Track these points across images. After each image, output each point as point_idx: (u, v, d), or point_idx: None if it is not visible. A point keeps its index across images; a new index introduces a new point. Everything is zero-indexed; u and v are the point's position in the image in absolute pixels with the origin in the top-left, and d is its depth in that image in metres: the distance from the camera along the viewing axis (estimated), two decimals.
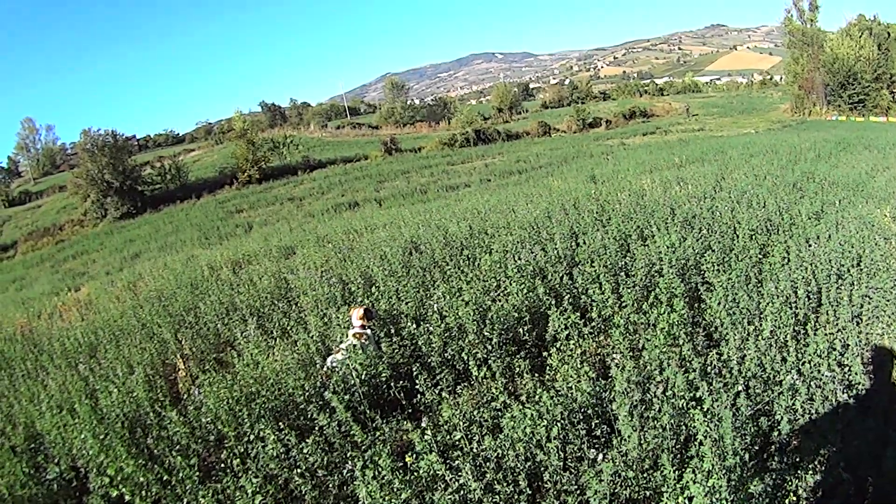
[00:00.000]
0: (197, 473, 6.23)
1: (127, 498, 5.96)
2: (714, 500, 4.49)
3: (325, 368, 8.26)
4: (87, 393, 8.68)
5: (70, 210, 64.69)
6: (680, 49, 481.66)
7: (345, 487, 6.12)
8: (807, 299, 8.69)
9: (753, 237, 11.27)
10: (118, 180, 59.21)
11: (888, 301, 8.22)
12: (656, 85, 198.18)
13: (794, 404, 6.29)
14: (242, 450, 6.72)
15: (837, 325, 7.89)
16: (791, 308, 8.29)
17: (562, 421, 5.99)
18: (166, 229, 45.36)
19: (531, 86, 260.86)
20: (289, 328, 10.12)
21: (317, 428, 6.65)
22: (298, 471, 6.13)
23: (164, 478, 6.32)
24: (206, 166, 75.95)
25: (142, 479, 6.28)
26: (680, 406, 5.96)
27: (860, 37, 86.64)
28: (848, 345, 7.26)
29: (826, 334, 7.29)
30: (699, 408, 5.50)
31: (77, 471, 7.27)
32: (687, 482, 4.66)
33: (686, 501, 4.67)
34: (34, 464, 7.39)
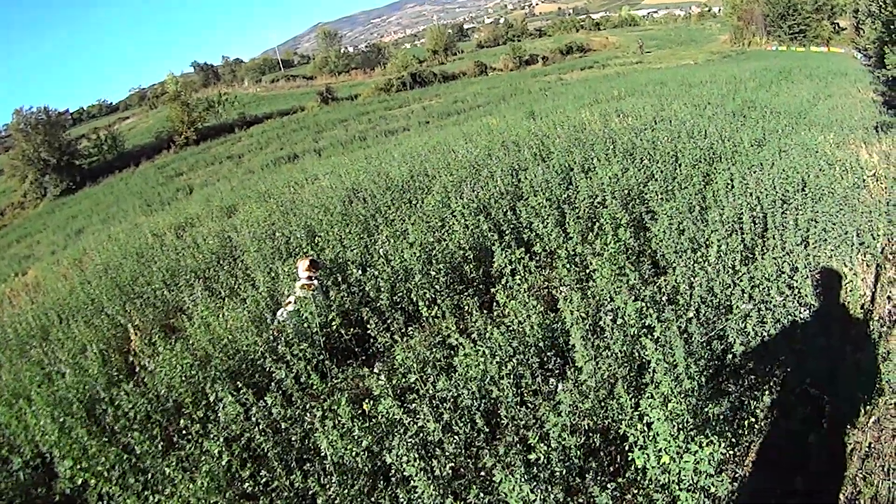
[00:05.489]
0: (160, 444, 6.22)
1: (92, 482, 5.87)
2: (673, 425, 4.50)
3: (275, 323, 8.21)
4: (43, 377, 8.44)
5: (9, 193, 62.77)
6: None
7: (307, 440, 6.09)
8: (752, 225, 8.76)
9: (696, 166, 11.33)
10: (55, 157, 57.88)
11: (834, 224, 8.31)
12: (592, 20, 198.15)
13: (745, 327, 6.36)
14: (202, 414, 6.62)
15: (785, 248, 7.96)
16: (738, 234, 8.35)
17: (515, 356, 6.05)
18: (107, 201, 44.23)
19: (466, 26, 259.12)
20: (236, 287, 10.10)
21: (273, 383, 6.64)
22: (259, 428, 6.08)
23: (128, 452, 6.25)
24: (143, 132, 74.34)
25: (105, 458, 6.19)
26: (632, 334, 5.99)
27: None
28: (797, 268, 7.33)
29: (774, 258, 7.36)
30: (650, 336, 5.52)
31: (43, 458, 7.13)
32: (644, 409, 4.67)
33: (645, 428, 4.68)
34: (0, 457, 7.24)
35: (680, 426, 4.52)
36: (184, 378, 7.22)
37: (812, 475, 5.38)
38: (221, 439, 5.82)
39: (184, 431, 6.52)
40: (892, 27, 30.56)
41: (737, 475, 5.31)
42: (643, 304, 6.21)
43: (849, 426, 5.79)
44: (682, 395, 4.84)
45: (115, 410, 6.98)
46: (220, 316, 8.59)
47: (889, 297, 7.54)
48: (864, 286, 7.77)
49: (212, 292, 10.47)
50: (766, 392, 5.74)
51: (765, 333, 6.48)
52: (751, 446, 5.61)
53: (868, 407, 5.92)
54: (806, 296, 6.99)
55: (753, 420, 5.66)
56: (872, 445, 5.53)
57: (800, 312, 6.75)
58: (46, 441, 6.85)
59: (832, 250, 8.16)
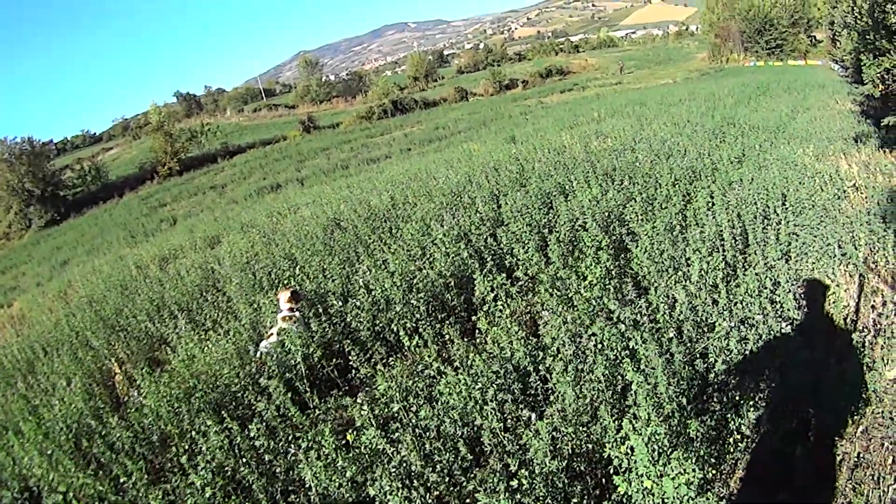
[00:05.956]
0: (146, 476, 6.17)
1: None
2: (655, 447, 4.48)
3: (258, 355, 8.18)
4: (29, 410, 8.41)
5: None
6: (594, 6, 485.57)
7: (291, 472, 6.04)
8: (733, 241, 8.78)
9: (676, 185, 11.34)
10: (39, 188, 57.40)
11: (815, 237, 8.33)
12: (571, 43, 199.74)
13: (727, 344, 6.35)
14: (187, 446, 6.62)
15: (767, 263, 7.98)
16: (719, 250, 8.36)
17: (497, 382, 6.05)
18: (92, 232, 43.79)
19: (446, 53, 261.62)
20: (219, 319, 10.07)
21: (256, 415, 6.59)
22: (244, 460, 6.06)
23: (115, 485, 6.20)
24: (126, 163, 74.09)
25: (92, 490, 6.14)
26: (613, 357, 5.98)
27: None
28: (779, 282, 7.35)
29: (755, 274, 7.36)
30: (632, 358, 5.52)
31: (31, 492, 7.06)
32: (626, 432, 4.65)
33: (629, 451, 4.65)
34: None
35: (660, 450, 4.50)
36: (169, 410, 7.18)
37: (799, 489, 5.36)
38: (206, 472, 5.78)
39: (170, 464, 6.48)
40: (867, 38, 30.87)
41: (723, 494, 5.28)
42: (624, 326, 6.21)
43: (836, 437, 5.78)
44: (663, 418, 4.82)
45: (102, 442, 6.94)
46: (204, 348, 8.57)
47: (873, 307, 7.55)
48: (848, 297, 7.80)
49: (195, 324, 10.42)
50: (751, 408, 5.74)
51: (747, 350, 6.48)
52: (737, 463, 5.59)
53: (855, 417, 5.92)
54: (788, 310, 7.00)
55: (739, 437, 5.65)
56: (861, 455, 5.53)
57: (782, 327, 6.75)
58: (34, 474, 6.83)
59: (814, 262, 8.18)
